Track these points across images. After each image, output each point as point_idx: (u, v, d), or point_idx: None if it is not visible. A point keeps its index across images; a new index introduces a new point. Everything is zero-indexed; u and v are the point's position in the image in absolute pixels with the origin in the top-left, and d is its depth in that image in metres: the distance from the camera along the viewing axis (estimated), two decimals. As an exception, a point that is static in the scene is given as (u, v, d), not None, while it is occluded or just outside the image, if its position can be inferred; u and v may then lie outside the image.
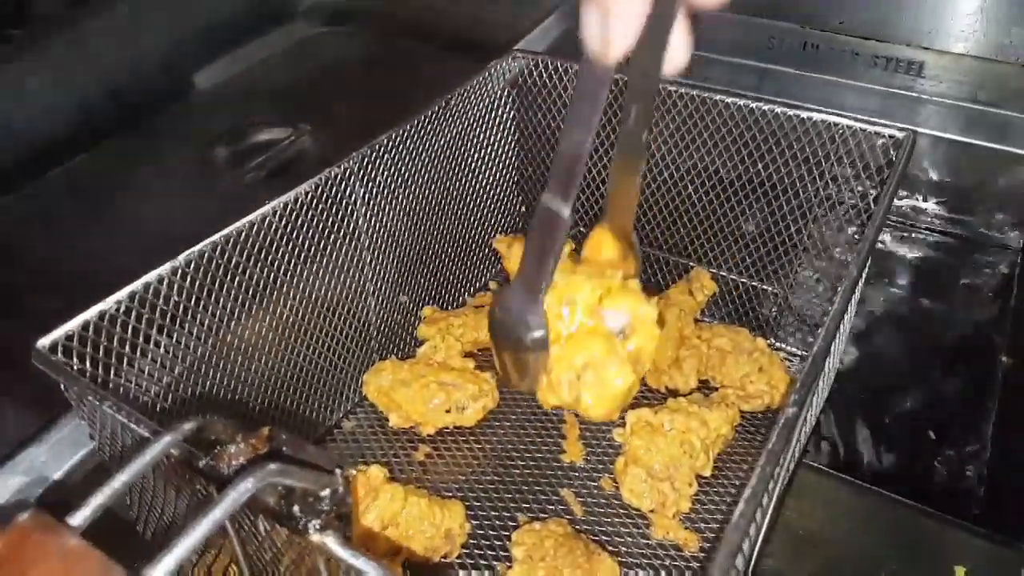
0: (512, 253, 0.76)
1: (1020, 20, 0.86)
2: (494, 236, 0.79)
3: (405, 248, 0.68)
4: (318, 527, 0.29)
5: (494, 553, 0.55)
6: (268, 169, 0.90)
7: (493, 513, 0.58)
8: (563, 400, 0.48)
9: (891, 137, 0.57)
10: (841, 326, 0.43)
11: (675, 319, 0.68)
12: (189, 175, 0.90)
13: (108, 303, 0.43)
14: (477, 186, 0.75)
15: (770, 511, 0.52)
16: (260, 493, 0.30)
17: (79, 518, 0.25)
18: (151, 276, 0.45)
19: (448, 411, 0.62)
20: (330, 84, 1.07)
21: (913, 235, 0.94)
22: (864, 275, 0.56)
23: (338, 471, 0.30)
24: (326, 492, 0.30)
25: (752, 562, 0.55)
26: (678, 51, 0.25)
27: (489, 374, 0.65)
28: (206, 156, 0.92)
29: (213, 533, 0.26)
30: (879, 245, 0.91)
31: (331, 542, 0.29)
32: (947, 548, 0.56)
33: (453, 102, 0.66)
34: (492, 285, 0.81)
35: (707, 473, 0.59)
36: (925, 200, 0.95)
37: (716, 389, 0.67)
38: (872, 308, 0.84)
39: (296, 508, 0.30)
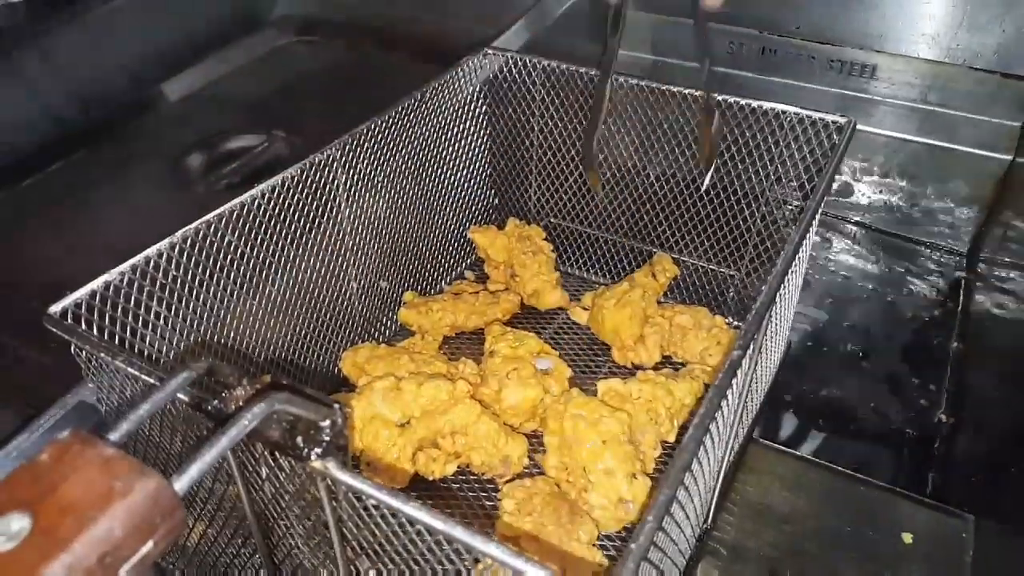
0: (486, 243, 0.80)
1: (965, 25, 0.90)
2: (469, 227, 0.83)
3: (385, 236, 0.72)
4: (319, 454, 0.33)
5: (485, 511, 0.59)
6: (242, 176, 0.91)
7: (484, 476, 0.62)
8: (491, 388, 0.63)
9: (834, 123, 0.62)
10: (783, 287, 0.48)
11: (639, 299, 0.72)
12: (163, 183, 0.91)
13: (112, 275, 0.46)
14: (452, 178, 0.79)
15: (724, 467, 0.56)
16: (266, 426, 0.33)
17: (113, 436, 0.29)
18: (151, 251, 0.48)
19: None
20: (302, 93, 1.09)
21: (866, 233, 1.00)
22: (808, 242, 0.60)
23: (336, 406, 0.34)
24: (326, 423, 0.33)
25: (709, 518, 0.59)
26: None
27: (461, 364, 0.68)
28: (180, 164, 0.93)
29: (225, 453, 0.30)
30: (835, 248, 0.97)
31: (332, 467, 0.33)
32: (896, 517, 0.61)
33: (428, 96, 0.70)
34: (468, 274, 0.85)
35: (671, 439, 0.63)
36: (876, 198, 1.00)
37: (678, 364, 0.71)
38: (827, 302, 0.89)
39: (299, 439, 0.33)
